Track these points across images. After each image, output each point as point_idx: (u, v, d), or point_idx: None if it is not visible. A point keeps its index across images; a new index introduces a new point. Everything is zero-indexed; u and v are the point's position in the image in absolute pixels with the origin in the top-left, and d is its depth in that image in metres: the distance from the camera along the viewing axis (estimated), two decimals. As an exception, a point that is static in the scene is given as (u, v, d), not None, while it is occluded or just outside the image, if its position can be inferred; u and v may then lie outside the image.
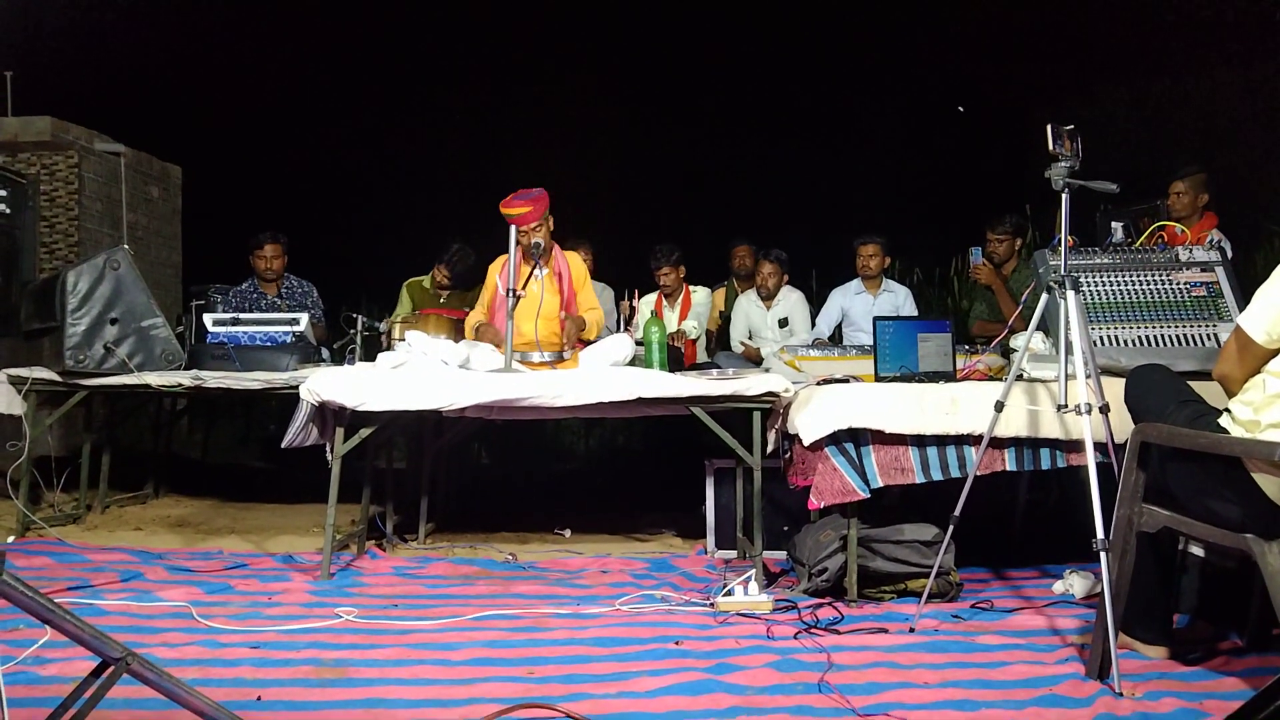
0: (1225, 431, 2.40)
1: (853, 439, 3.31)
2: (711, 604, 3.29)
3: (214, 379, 4.28)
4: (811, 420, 3.30)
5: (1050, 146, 2.93)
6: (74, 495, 4.95)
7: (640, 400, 3.66)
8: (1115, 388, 2.90)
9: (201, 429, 7.09)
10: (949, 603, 3.31)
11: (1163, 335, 3.50)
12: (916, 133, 11.26)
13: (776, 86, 12.16)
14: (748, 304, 5.95)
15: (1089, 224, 4.78)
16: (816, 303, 6.32)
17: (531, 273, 4.20)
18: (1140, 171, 5.44)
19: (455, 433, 4.88)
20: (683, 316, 5.86)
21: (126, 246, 4.52)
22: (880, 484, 3.29)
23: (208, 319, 4.74)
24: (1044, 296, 3.09)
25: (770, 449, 3.74)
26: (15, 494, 4.36)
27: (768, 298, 5.86)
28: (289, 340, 4.64)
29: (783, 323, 5.83)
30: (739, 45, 12.42)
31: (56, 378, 4.32)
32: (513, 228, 3.98)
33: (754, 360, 5.40)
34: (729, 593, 3.28)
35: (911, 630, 3.02)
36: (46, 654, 2.61)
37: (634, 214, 10.02)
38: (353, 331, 4.68)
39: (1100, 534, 2.58)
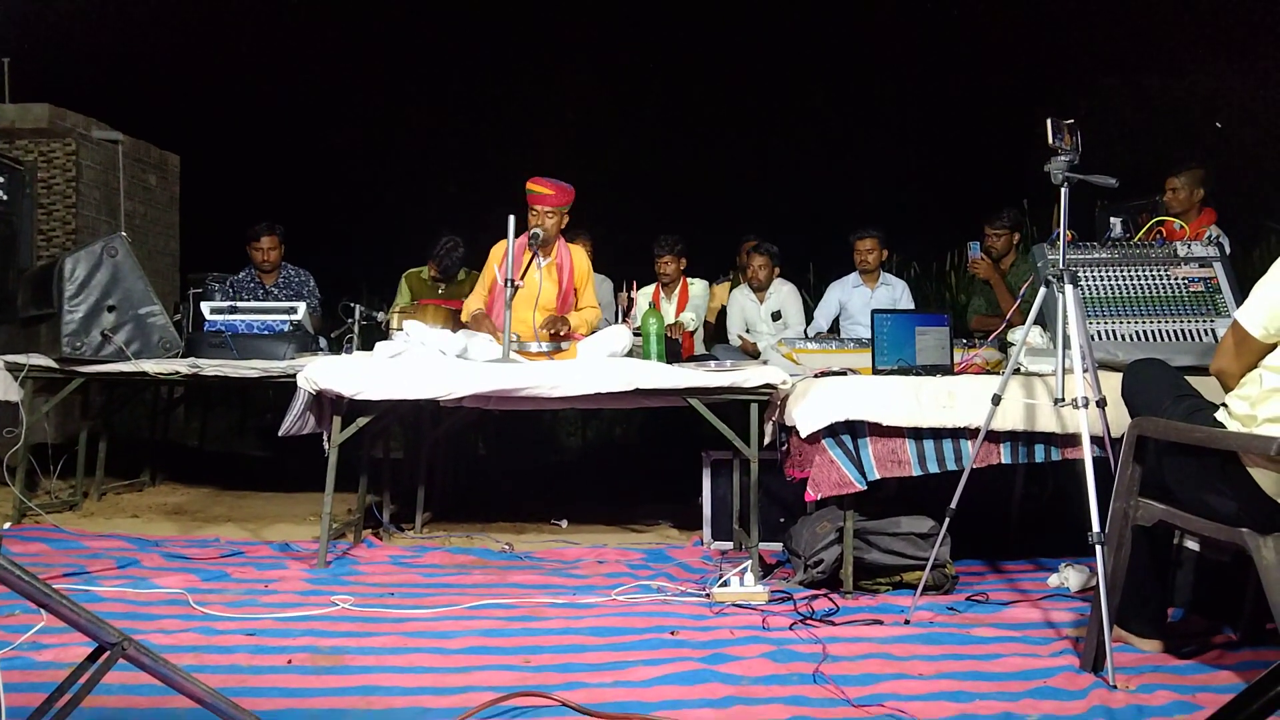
0: (1222, 426, 2.41)
1: (850, 431, 3.31)
2: (707, 595, 3.29)
3: (211, 367, 4.27)
4: (809, 412, 3.31)
5: (1050, 140, 2.93)
6: (70, 482, 4.95)
7: (638, 391, 3.66)
8: (1112, 382, 2.91)
9: (198, 417, 7.08)
10: (944, 595, 3.32)
11: (1160, 330, 3.51)
12: (915, 127, 11.26)
13: (777, 81, 12.15)
14: (742, 298, 5.95)
15: (1088, 219, 4.79)
16: (815, 296, 6.31)
17: (531, 262, 4.20)
18: (1139, 167, 5.45)
19: (452, 422, 4.88)
20: (680, 309, 5.86)
21: (124, 234, 4.51)
22: (877, 476, 3.29)
23: (205, 307, 4.73)
24: (1042, 291, 3.09)
25: (767, 441, 3.74)
26: (12, 480, 4.35)
27: (759, 289, 5.86)
28: (286, 329, 4.64)
29: (775, 315, 5.83)
30: (739, 39, 12.40)
31: (53, 364, 4.31)
32: (511, 218, 3.98)
33: (751, 354, 5.40)
34: (725, 584, 3.28)
35: (907, 622, 3.02)
36: (43, 639, 2.60)
37: (633, 207, 10.01)
38: (350, 321, 4.67)
39: (1096, 527, 2.59)
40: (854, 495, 3.30)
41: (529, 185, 4.23)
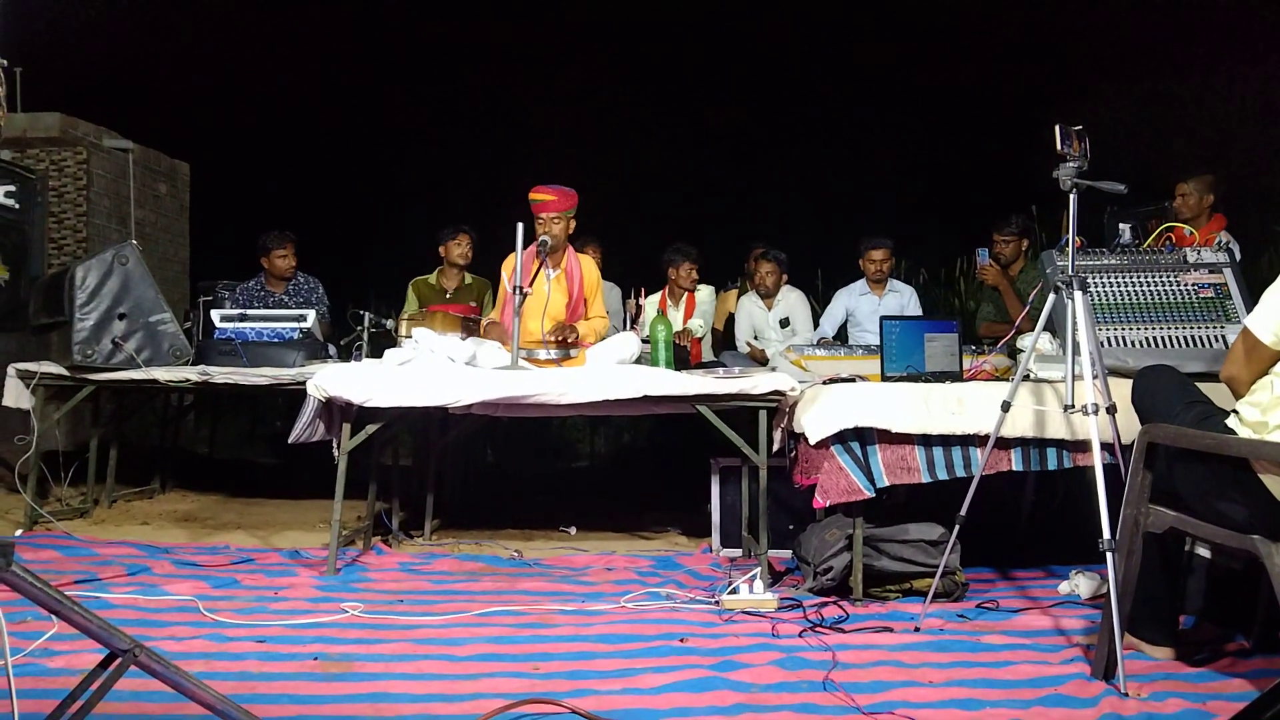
0: (1232, 433, 2.40)
1: (859, 438, 3.31)
2: (717, 602, 3.29)
3: (221, 374, 4.29)
4: (818, 419, 3.30)
5: (1058, 147, 2.93)
6: (81, 489, 4.97)
7: (646, 398, 3.66)
8: (1122, 389, 2.90)
9: (208, 424, 7.10)
10: (954, 602, 3.31)
11: (1170, 336, 3.50)
12: (924, 133, 11.25)
13: (786, 87, 12.16)
14: (750, 305, 5.95)
15: (1096, 225, 4.77)
16: (822, 303, 6.31)
17: (539, 270, 4.21)
18: (1149, 172, 5.43)
19: (461, 430, 4.89)
20: (688, 315, 5.86)
21: (134, 242, 4.53)
22: (886, 483, 3.28)
23: (215, 315, 4.75)
24: (1051, 297, 3.09)
25: (776, 448, 3.74)
26: (23, 488, 4.37)
27: (767, 296, 5.85)
28: (296, 336, 4.65)
29: (784, 323, 5.83)
30: (748, 46, 12.42)
31: (64, 372, 4.33)
32: (519, 226, 3.99)
33: (760, 361, 5.40)
34: (734, 591, 3.28)
35: (917, 629, 3.01)
36: (54, 646, 2.62)
37: (641, 214, 10.02)
38: (360, 328, 4.69)
39: (1107, 534, 2.58)
40: (863, 502, 3.29)
41: (532, 195, 4.25)
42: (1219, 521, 2.37)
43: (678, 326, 5.63)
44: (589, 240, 5.79)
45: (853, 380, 3.58)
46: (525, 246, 3.98)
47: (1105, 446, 2.82)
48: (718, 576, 3.69)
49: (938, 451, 3.31)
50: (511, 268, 4.38)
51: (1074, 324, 2.91)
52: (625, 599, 3.33)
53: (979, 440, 3.27)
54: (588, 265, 4.49)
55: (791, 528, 3.95)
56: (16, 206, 5.70)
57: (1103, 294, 3.58)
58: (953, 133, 11.19)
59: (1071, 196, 2.95)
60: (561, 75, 11.93)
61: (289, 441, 3.89)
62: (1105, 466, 2.71)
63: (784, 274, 5.88)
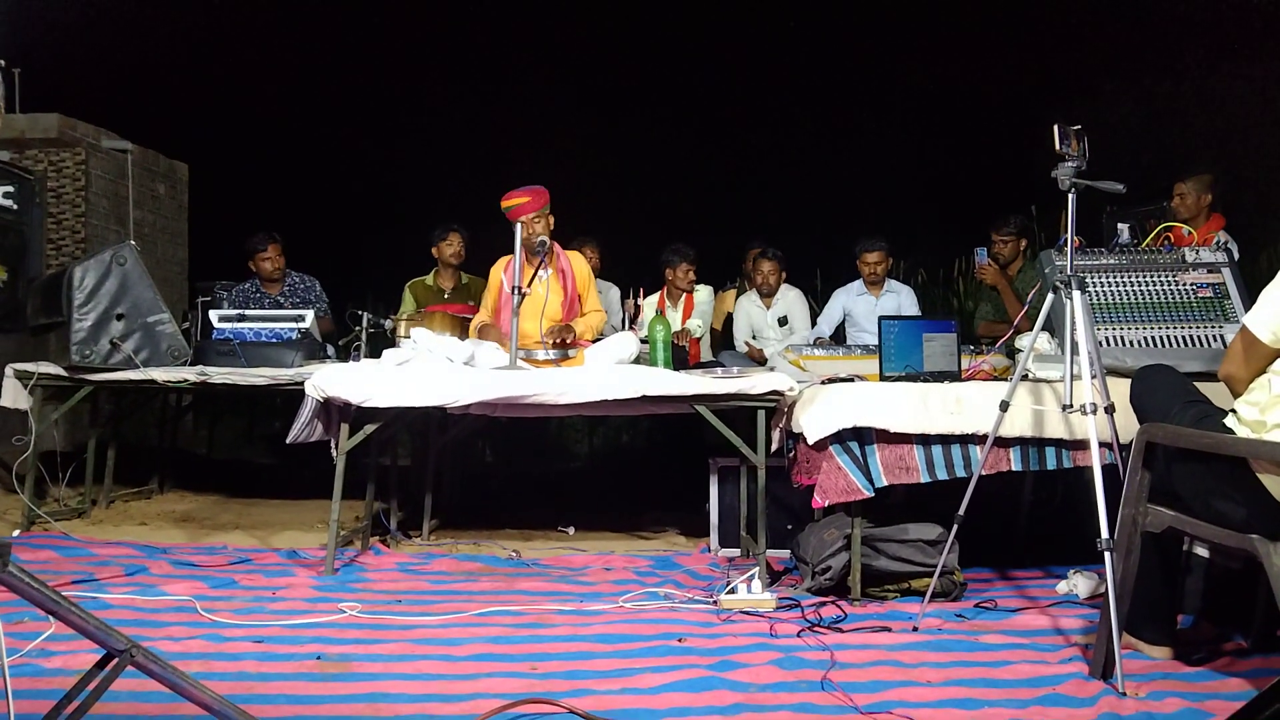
0: (1231, 432, 2.40)
1: (857, 438, 3.31)
2: (715, 602, 3.29)
3: (219, 375, 4.29)
4: (816, 419, 3.30)
5: (1057, 146, 2.93)
6: (79, 490, 4.97)
7: (645, 398, 3.66)
8: (1121, 388, 2.90)
9: (206, 425, 7.10)
10: (953, 602, 3.31)
11: (1169, 336, 3.50)
12: (922, 133, 11.25)
13: (784, 87, 12.16)
14: (748, 304, 5.95)
15: (1095, 225, 4.78)
16: (822, 302, 6.31)
17: (536, 271, 4.21)
18: (1147, 172, 5.43)
19: (459, 430, 4.88)
20: (686, 315, 5.86)
21: (133, 242, 4.53)
22: (885, 483, 3.28)
23: (213, 315, 4.75)
24: (1050, 297, 3.09)
25: (774, 447, 3.74)
26: (21, 488, 4.37)
27: (767, 295, 5.85)
28: (294, 336, 4.65)
29: (782, 321, 5.83)
30: (745, 45, 12.42)
31: (62, 373, 4.33)
32: (518, 226, 3.99)
33: (758, 361, 5.40)
34: (732, 590, 3.28)
35: (915, 629, 3.01)
36: (51, 646, 2.62)
37: (640, 214, 10.02)
38: (358, 328, 4.69)
39: (1105, 534, 2.58)
40: (862, 502, 3.29)
41: (504, 202, 4.17)
42: (1217, 521, 2.37)
43: (676, 327, 5.63)
44: (587, 241, 5.80)
45: (851, 380, 3.58)
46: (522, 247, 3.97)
47: (1104, 446, 2.82)
48: (716, 576, 3.69)
49: (936, 451, 3.31)
50: (505, 266, 4.38)
51: (1072, 323, 2.91)
52: (623, 599, 3.33)
53: (978, 440, 3.28)
54: (578, 262, 4.49)
55: (790, 527, 3.95)
56: (15, 207, 5.69)
57: (1101, 293, 3.58)
58: (951, 132, 11.18)
59: (1070, 196, 2.95)
60: (559, 75, 11.93)
61: (287, 442, 3.89)
62: (1104, 466, 2.71)
63: (783, 273, 5.87)
